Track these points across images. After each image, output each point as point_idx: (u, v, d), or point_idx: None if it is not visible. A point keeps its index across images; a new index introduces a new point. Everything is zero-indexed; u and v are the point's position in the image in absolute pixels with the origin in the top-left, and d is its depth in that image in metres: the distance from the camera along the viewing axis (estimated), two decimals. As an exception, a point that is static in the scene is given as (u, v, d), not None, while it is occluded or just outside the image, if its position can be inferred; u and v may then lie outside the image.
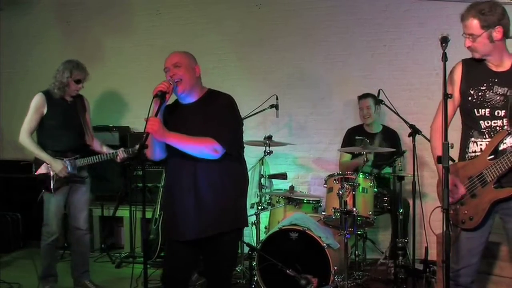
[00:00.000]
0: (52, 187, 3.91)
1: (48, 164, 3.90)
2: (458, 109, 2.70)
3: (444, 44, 2.42)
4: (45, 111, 3.95)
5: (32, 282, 4.14)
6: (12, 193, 5.49)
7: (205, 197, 2.65)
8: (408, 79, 4.95)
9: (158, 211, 4.86)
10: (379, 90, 4.17)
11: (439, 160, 2.37)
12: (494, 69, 2.59)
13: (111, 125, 5.53)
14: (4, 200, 5.51)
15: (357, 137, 4.37)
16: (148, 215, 4.77)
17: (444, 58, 2.42)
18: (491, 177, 2.52)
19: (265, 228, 4.55)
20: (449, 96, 2.44)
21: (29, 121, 3.93)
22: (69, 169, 3.93)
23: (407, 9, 4.94)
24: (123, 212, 5.12)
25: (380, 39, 5.02)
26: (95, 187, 5.13)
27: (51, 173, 3.93)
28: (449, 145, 2.36)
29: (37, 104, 3.95)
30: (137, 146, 3.98)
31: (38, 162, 3.95)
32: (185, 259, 2.78)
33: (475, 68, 2.63)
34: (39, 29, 6.02)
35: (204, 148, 2.61)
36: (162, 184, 4.93)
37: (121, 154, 4.04)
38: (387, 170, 4.52)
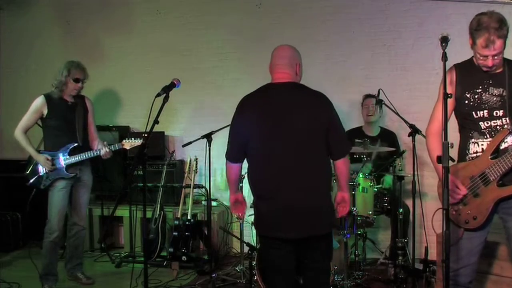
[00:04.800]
0: (38, 187, 4.07)
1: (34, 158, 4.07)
2: (453, 113, 2.71)
3: (444, 44, 2.42)
4: (45, 112, 4.07)
5: (32, 281, 4.15)
6: (12, 192, 5.49)
7: None
8: (408, 78, 4.95)
9: (158, 211, 4.87)
10: (379, 90, 4.17)
11: (438, 160, 2.37)
12: (486, 70, 2.59)
13: (110, 125, 5.53)
14: (4, 200, 5.51)
15: (357, 140, 4.36)
16: (148, 214, 4.76)
17: (444, 57, 2.43)
18: (494, 175, 2.53)
19: (265, 227, 4.55)
20: (449, 96, 2.44)
21: (26, 119, 4.10)
22: (55, 163, 4.03)
23: (407, 9, 4.94)
24: (123, 212, 5.12)
25: (380, 39, 5.02)
26: (95, 186, 5.16)
27: (40, 172, 4.06)
28: (449, 145, 2.36)
29: (36, 105, 4.09)
30: (124, 141, 4.12)
31: (30, 160, 4.13)
32: None
33: (468, 72, 2.65)
34: (39, 29, 6.02)
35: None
36: (162, 183, 4.94)
37: (104, 150, 4.09)
38: (388, 181, 4.52)
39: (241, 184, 4.42)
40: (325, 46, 5.17)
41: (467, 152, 2.66)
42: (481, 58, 2.51)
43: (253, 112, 2.76)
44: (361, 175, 4.02)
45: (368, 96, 4.68)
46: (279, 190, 2.70)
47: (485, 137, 2.61)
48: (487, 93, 2.59)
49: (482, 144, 2.61)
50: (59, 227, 4.04)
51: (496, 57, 2.49)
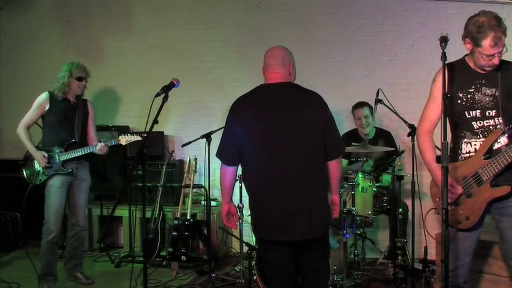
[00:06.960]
0: (34, 182, 4.09)
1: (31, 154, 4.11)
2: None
3: (443, 44, 2.42)
4: (47, 107, 4.11)
5: (31, 281, 4.15)
6: (11, 193, 5.49)
7: None
8: (407, 78, 4.95)
9: (157, 211, 4.87)
10: (378, 90, 4.17)
11: (438, 160, 2.38)
12: (480, 70, 2.60)
13: (110, 125, 5.53)
14: (4, 200, 5.51)
15: (354, 143, 4.34)
16: (148, 214, 4.77)
17: (444, 57, 2.43)
18: (487, 176, 2.53)
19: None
20: (448, 96, 2.44)
21: (29, 115, 4.13)
22: (51, 160, 4.05)
23: (406, 9, 4.94)
24: (122, 212, 5.12)
25: (379, 39, 5.02)
26: (94, 186, 5.16)
27: (36, 168, 4.09)
28: (448, 145, 2.36)
29: (39, 101, 4.14)
30: (121, 137, 4.12)
31: (28, 157, 4.17)
32: None
33: (460, 72, 2.64)
34: (38, 28, 6.03)
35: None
36: (161, 183, 4.94)
37: (100, 146, 4.10)
38: (387, 179, 4.51)
39: (240, 184, 4.44)
40: (325, 46, 5.17)
41: (459, 152, 2.66)
42: (487, 58, 2.48)
43: (248, 113, 2.73)
44: (360, 175, 4.02)
45: (356, 106, 4.65)
46: (276, 192, 2.66)
47: (478, 137, 2.60)
48: (480, 93, 2.58)
49: (475, 144, 2.61)
50: (57, 227, 4.04)
51: (499, 54, 2.48)
